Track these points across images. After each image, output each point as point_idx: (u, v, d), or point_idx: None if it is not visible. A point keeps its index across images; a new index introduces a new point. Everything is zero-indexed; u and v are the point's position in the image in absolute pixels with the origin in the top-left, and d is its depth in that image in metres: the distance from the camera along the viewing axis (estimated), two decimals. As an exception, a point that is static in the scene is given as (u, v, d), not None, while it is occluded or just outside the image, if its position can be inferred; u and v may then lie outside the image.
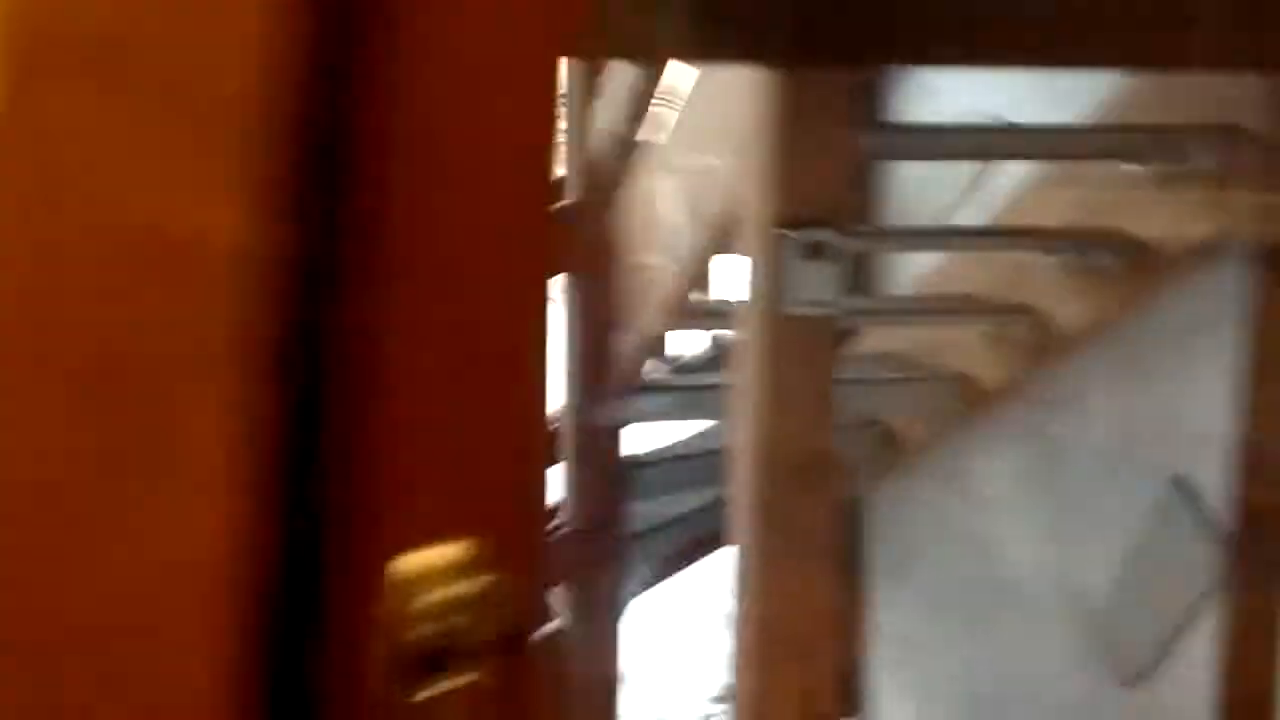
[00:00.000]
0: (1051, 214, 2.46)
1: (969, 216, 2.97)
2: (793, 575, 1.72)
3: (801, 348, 1.64)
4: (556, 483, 3.22)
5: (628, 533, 3.26)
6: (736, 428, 1.77)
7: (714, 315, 2.71)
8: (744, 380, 1.73)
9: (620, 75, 2.36)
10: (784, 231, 1.60)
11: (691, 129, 2.18)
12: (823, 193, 1.60)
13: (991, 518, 3.27)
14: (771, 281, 1.62)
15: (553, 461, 3.27)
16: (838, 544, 1.70)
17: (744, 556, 1.78)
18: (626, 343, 2.86)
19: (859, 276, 3.48)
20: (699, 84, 2.12)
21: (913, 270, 3.32)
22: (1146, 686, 2.56)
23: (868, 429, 3.52)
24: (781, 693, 1.71)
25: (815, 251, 1.61)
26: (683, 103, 2.23)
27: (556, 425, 3.27)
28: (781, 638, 1.71)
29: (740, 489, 1.78)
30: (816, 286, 1.62)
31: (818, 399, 1.68)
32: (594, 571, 3.23)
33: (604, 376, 3.06)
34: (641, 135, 2.45)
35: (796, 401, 1.67)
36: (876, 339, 3.39)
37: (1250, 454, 1.34)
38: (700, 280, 2.31)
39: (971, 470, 3.34)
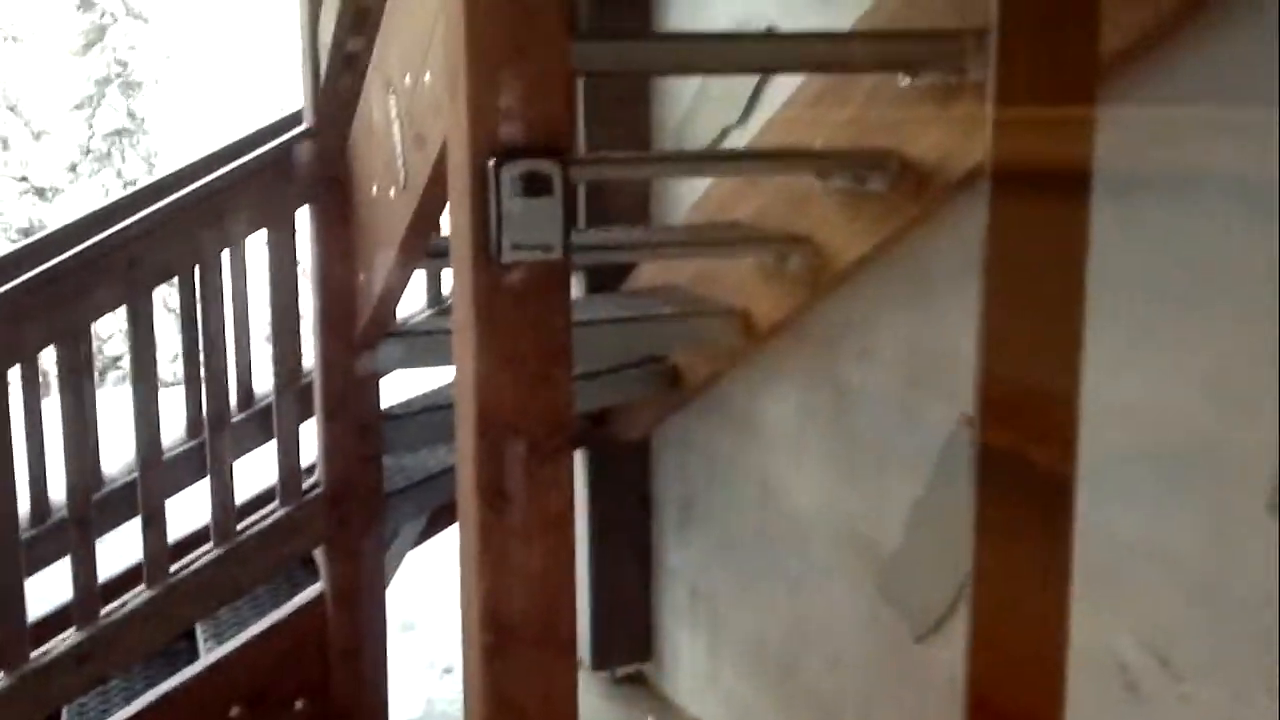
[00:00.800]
0: (824, 134, 2.26)
1: (748, 137, 2.76)
2: (518, 555, 1.47)
3: (521, 301, 1.37)
4: (309, 440, 2.92)
5: (386, 490, 2.98)
6: (459, 396, 1.50)
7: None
8: (461, 342, 1.46)
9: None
10: (493, 162, 1.32)
11: (402, 36, 1.86)
12: (541, 114, 1.32)
13: (778, 460, 3.13)
14: (481, 223, 1.34)
15: (306, 416, 2.96)
16: (567, 514, 1.46)
17: (465, 534, 1.52)
18: (373, 284, 2.54)
19: (628, 205, 3.26)
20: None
21: (685, 196, 3.11)
22: (940, 641, 2.44)
23: (650, 366, 3.33)
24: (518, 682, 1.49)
25: (533, 185, 1.33)
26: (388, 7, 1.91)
27: (306, 379, 2.95)
28: (508, 624, 1.47)
29: (462, 464, 1.52)
30: (537, 227, 1.35)
31: (546, 360, 1.42)
32: (353, 532, 2.95)
33: (354, 323, 2.75)
34: (365, 49, 2.12)
35: (519, 365, 1.40)
36: (656, 272, 3.18)
37: (985, 390, 1.16)
38: (436, 212, 2.01)
39: (757, 410, 3.19)
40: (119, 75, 19.35)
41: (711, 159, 2.49)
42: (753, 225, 2.71)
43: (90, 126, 19.42)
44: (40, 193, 19.44)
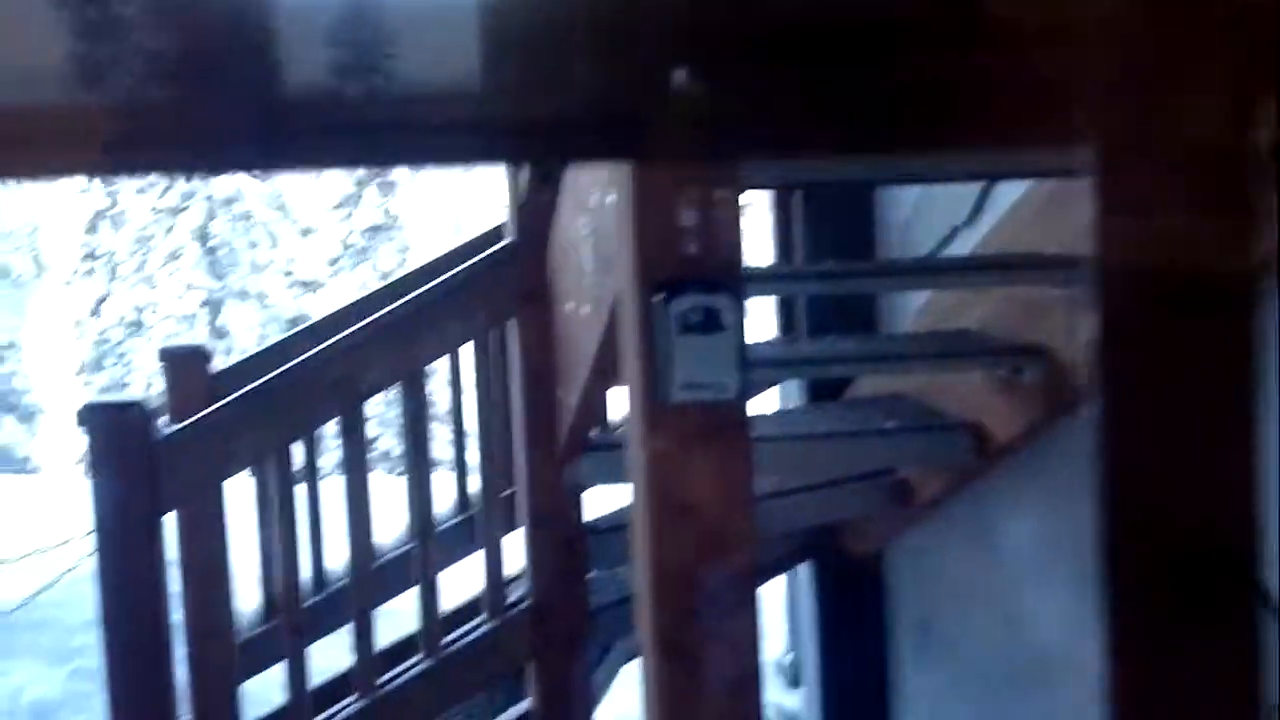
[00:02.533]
0: (1054, 239, 2.10)
1: (976, 238, 2.62)
2: (699, 705, 1.38)
3: (695, 445, 1.30)
4: (516, 552, 2.93)
5: (593, 605, 2.95)
6: (635, 541, 1.44)
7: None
8: (635, 486, 1.40)
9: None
10: (661, 297, 1.26)
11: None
12: (711, 244, 1.26)
13: (1024, 586, 2.91)
14: (649, 360, 1.28)
15: (510, 528, 2.98)
16: (752, 672, 1.36)
17: (647, 687, 1.44)
18: (573, 398, 2.54)
19: (852, 307, 3.15)
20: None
21: (917, 298, 2.98)
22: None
23: (877, 480, 3.19)
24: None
25: (705, 320, 1.27)
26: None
27: (513, 490, 2.98)
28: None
29: (640, 612, 1.45)
30: (710, 365, 1.28)
31: (725, 508, 1.34)
32: (561, 649, 2.93)
33: (559, 435, 2.76)
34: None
35: (695, 514, 1.33)
36: (881, 380, 3.06)
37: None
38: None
39: (997, 529, 2.99)
40: (376, 176, 20.83)
41: (929, 271, 2.36)
42: (983, 333, 2.55)
43: (350, 224, 20.95)
44: (306, 285, 21.05)
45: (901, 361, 2.47)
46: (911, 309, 3.02)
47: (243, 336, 19.45)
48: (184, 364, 3.19)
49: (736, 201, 1.28)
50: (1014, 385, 2.48)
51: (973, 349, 2.46)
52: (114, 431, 2.35)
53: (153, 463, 2.37)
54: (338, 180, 21.22)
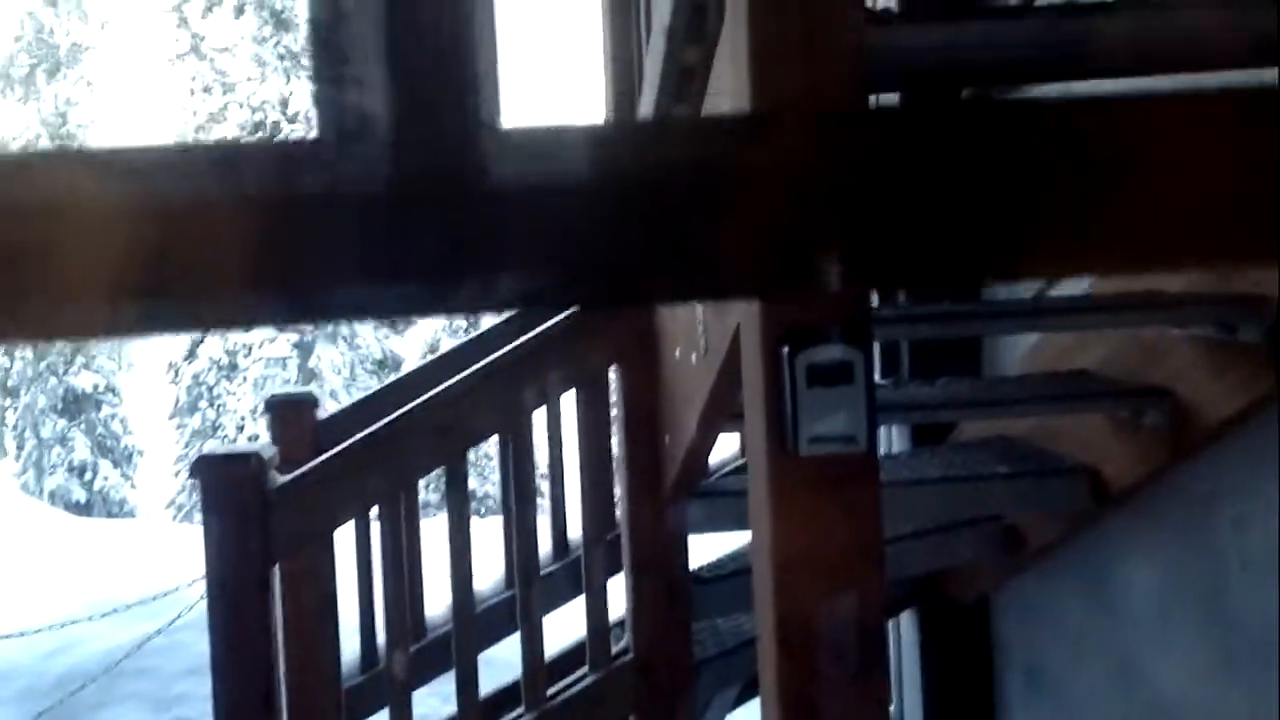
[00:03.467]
0: (1176, 276, 2.06)
1: (1085, 282, 2.57)
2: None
3: (823, 499, 1.29)
4: (619, 599, 2.93)
5: (697, 657, 2.93)
6: (758, 596, 1.43)
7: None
8: (758, 539, 1.39)
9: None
10: (786, 349, 1.26)
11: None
12: (838, 296, 1.26)
13: (1140, 637, 2.83)
14: (775, 414, 1.28)
15: (613, 574, 2.98)
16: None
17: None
18: (678, 444, 2.54)
19: (958, 350, 3.11)
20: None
21: (1026, 339, 2.93)
22: None
23: (985, 526, 3.13)
24: None
25: (831, 373, 1.26)
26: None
27: (616, 534, 2.98)
28: None
29: (763, 672, 1.44)
30: (837, 417, 1.27)
31: (854, 563, 1.32)
32: (666, 698, 2.91)
33: (661, 481, 2.76)
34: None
35: (823, 570, 1.32)
36: (987, 423, 3.01)
37: None
38: (737, 380, 1.97)
39: (1112, 578, 2.91)
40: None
41: (1040, 313, 2.32)
42: (1099, 375, 2.50)
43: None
44: (393, 326, 21.38)
45: (1018, 406, 2.43)
46: (1019, 349, 2.97)
47: (333, 378, 19.82)
48: (290, 412, 3.26)
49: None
50: (1133, 428, 2.43)
51: (1092, 391, 2.42)
52: (228, 482, 2.41)
53: (266, 513, 2.42)
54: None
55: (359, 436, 2.68)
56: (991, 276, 1.89)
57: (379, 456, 2.69)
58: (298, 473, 2.55)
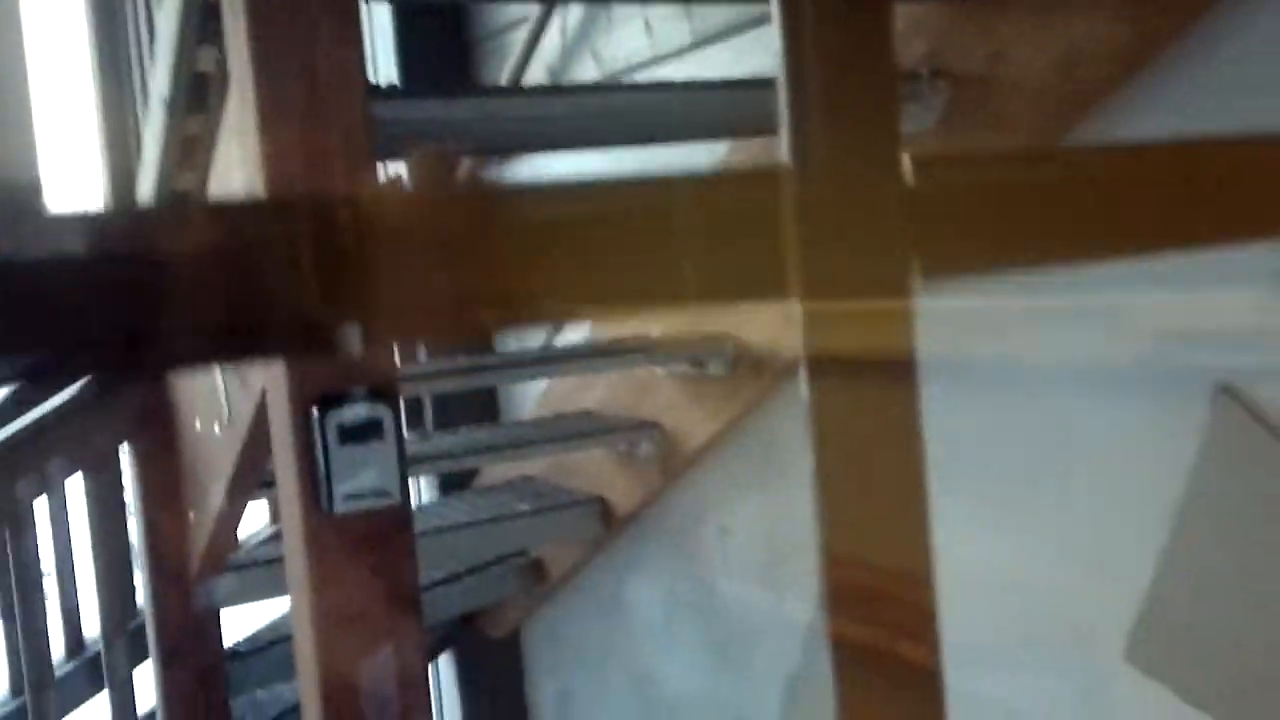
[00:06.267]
0: (658, 320, 2.32)
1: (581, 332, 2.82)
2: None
3: (359, 554, 1.34)
4: (146, 689, 2.76)
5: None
6: (300, 660, 1.44)
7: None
8: (296, 601, 1.41)
9: (150, 183, 2.01)
10: (316, 411, 1.30)
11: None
12: (366, 354, 1.32)
13: (650, 646, 3.10)
14: (309, 474, 1.31)
15: (137, 662, 2.80)
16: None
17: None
18: (204, 518, 2.45)
19: (474, 396, 3.26)
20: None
21: (538, 385, 3.13)
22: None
23: (512, 562, 3.29)
24: None
25: (360, 431, 1.32)
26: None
27: (138, 623, 2.81)
28: None
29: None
30: (367, 474, 1.33)
31: (393, 614, 1.38)
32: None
33: (189, 559, 2.64)
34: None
35: (363, 624, 1.36)
36: (509, 465, 3.17)
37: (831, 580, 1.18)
38: (265, 450, 1.96)
39: (624, 596, 3.17)
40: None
41: (547, 360, 2.52)
42: (601, 413, 2.74)
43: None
44: None
45: (532, 446, 2.60)
46: (532, 395, 3.17)
47: None
48: None
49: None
50: (631, 458, 2.68)
51: (593, 428, 2.64)
52: None
53: None
54: None
55: None
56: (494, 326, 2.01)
57: None
58: None
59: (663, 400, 2.51)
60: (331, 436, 1.30)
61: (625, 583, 3.16)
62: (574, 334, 2.66)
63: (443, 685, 3.94)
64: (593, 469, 2.87)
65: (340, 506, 1.32)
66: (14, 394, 2.95)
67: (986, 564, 1.90)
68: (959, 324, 1.77)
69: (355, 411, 1.31)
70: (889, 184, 1.00)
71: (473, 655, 3.69)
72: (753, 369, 2.22)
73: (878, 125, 0.83)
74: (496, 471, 3.21)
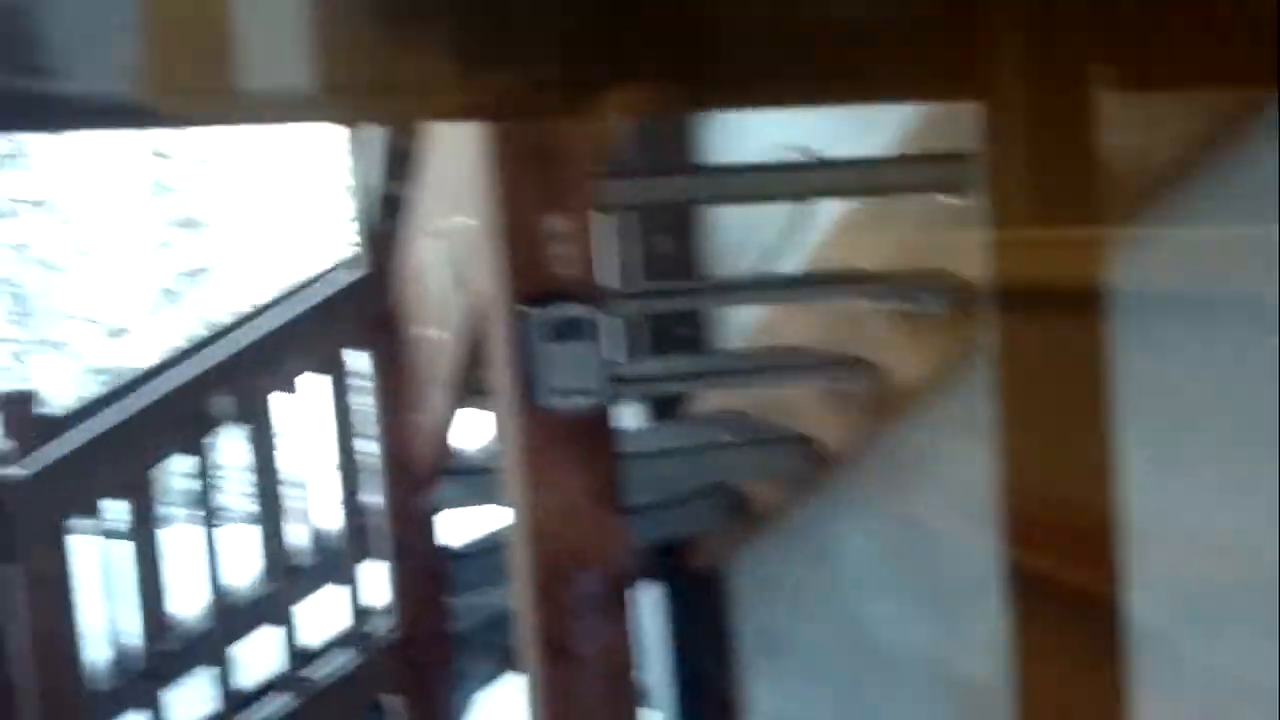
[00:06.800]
0: (871, 256, 2.32)
1: (792, 261, 2.83)
2: (582, 706, 1.50)
3: (563, 447, 1.43)
4: (380, 583, 2.99)
5: (457, 630, 3.02)
6: (514, 544, 1.56)
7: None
8: (510, 490, 1.52)
9: (379, 130, 2.15)
10: (525, 309, 1.39)
11: (440, 185, 1.97)
12: (573, 259, 1.40)
13: (860, 593, 3.11)
14: (519, 369, 1.41)
15: (367, 558, 3.03)
16: (626, 661, 1.48)
17: (529, 686, 1.55)
18: (428, 423, 2.63)
19: (686, 329, 3.33)
20: (440, 131, 1.91)
21: (747, 319, 3.17)
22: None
23: (718, 496, 3.35)
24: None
25: (569, 330, 1.40)
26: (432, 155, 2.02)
27: (371, 519, 3.03)
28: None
29: (521, 613, 1.56)
30: (575, 372, 1.42)
31: (597, 507, 1.46)
32: (427, 675, 2.99)
33: (414, 461, 2.84)
34: (408, 193, 2.24)
35: (566, 511, 1.46)
36: (720, 397, 3.23)
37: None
38: (482, 352, 2.09)
39: (833, 540, 3.19)
40: (188, 218, 20.27)
41: (757, 287, 2.56)
42: (815, 348, 2.75)
43: (160, 268, 20.27)
44: (114, 334, 20.26)
45: (742, 376, 2.65)
46: (739, 332, 3.21)
47: (51, 389, 18.58)
48: (14, 408, 3.14)
49: (590, 218, 1.42)
50: (843, 397, 2.69)
51: (803, 363, 2.66)
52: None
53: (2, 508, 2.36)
54: (146, 222, 20.53)
55: (96, 427, 2.64)
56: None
57: (118, 446, 2.65)
58: (33, 464, 2.49)
59: (877, 338, 2.51)
60: (540, 333, 1.39)
61: (833, 525, 3.17)
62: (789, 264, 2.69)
63: (648, 616, 4.07)
64: (803, 406, 2.88)
65: (545, 400, 1.41)
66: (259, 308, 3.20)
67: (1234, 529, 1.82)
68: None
69: (561, 311, 1.40)
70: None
71: (677, 588, 3.78)
72: (971, 308, 2.20)
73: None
74: (705, 403, 3.27)
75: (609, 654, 1.52)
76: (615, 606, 1.54)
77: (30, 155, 19.18)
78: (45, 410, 3.22)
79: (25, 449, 2.85)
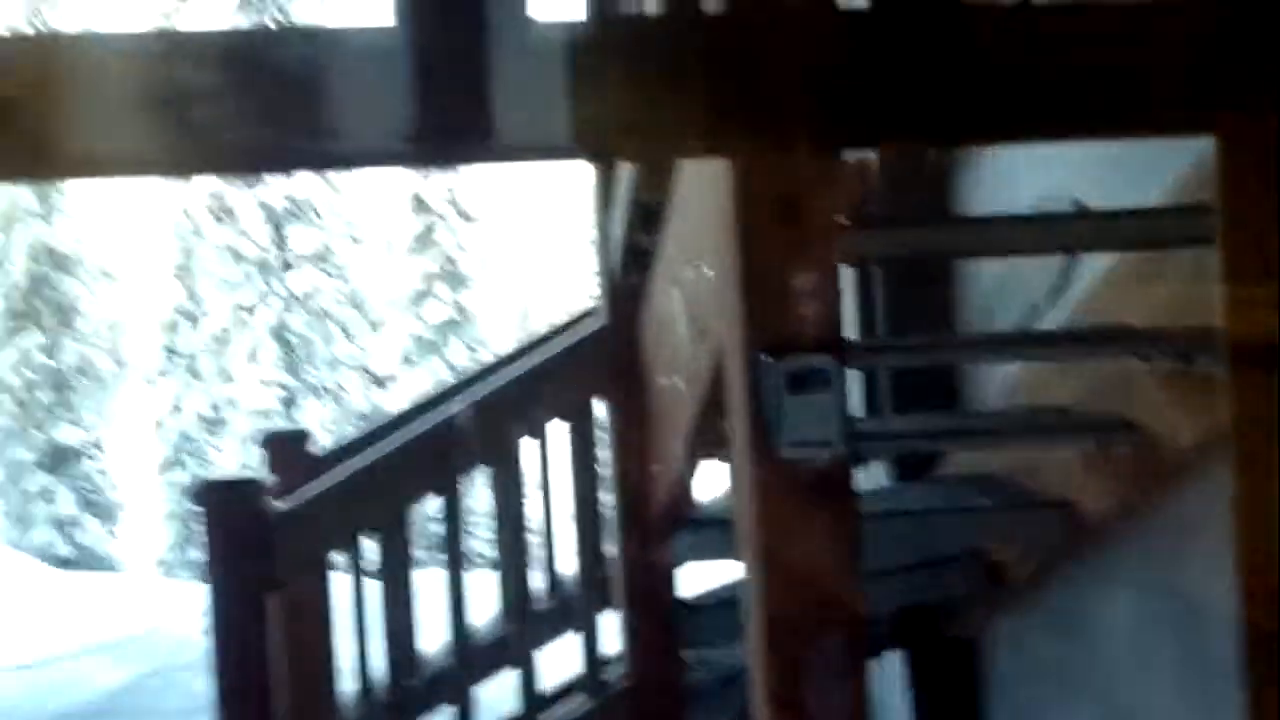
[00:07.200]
0: (1141, 312, 2.18)
1: (1056, 316, 2.70)
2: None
3: (802, 498, 1.40)
4: (613, 632, 3.02)
5: (691, 684, 3.01)
6: (746, 593, 1.53)
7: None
8: (744, 538, 1.50)
9: (628, 179, 2.20)
10: (766, 358, 1.38)
11: (685, 232, 1.98)
12: (814, 309, 1.38)
13: (1121, 675, 2.91)
14: (757, 419, 1.39)
15: (604, 607, 3.07)
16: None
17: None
18: (667, 474, 2.65)
19: (935, 386, 3.23)
20: (684, 179, 1.92)
21: (1004, 377, 3.05)
22: None
23: (969, 562, 3.22)
24: None
25: (808, 381, 1.38)
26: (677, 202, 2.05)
27: (609, 568, 3.07)
28: None
29: (754, 671, 1.53)
30: (815, 424, 1.39)
31: (835, 563, 1.42)
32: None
33: (652, 512, 2.86)
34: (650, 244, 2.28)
35: (801, 568, 1.42)
36: (967, 458, 3.12)
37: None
38: (723, 402, 2.09)
39: (1091, 613, 3.01)
40: (448, 271, 21.36)
41: (1018, 343, 2.45)
42: (1074, 409, 2.62)
43: (421, 319, 21.42)
44: (378, 381, 21.50)
45: (998, 436, 2.55)
46: (993, 388, 3.09)
47: (319, 433, 19.83)
48: (285, 447, 3.36)
49: (834, 268, 1.40)
50: (1106, 461, 2.54)
51: (1069, 424, 2.53)
52: (230, 508, 2.51)
53: (266, 537, 2.51)
54: (409, 275, 21.79)
55: (355, 465, 2.79)
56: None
57: (375, 484, 2.79)
58: (297, 498, 2.65)
59: (1147, 399, 2.36)
60: (780, 383, 1.37)
61: (1093, 597, 3.00)
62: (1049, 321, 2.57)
63: (891, 683, 3.94)
64: (1061, 469, 2.75)
65: (786, 454, 1.39)
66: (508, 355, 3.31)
67: None
68: None
69: (804, 361, 1.37)
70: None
71: (922, 656, 3.65)
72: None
73: None
74: (954, 464, 3.16)
75: (842, 717, 1.47)
76: (850, 668, 1.48)
77: (310, 213, 20.72)
78: (310, 449, 3.44)
79: (290, 485, 3.04)
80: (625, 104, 1.28)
